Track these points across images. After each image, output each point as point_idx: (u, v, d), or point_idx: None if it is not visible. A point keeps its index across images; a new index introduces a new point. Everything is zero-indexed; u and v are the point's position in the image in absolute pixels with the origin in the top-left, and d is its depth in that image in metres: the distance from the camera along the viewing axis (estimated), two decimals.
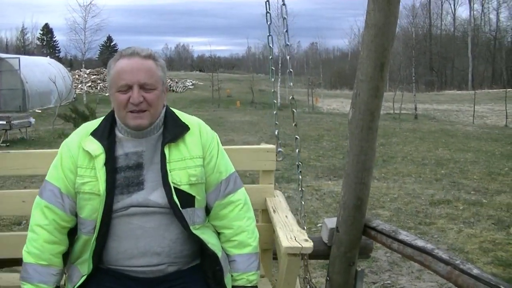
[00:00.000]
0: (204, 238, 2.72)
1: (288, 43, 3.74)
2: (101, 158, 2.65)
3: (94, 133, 2.74)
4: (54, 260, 2.69)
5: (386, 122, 24.95)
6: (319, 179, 11.42)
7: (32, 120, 19.53)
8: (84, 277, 2.67)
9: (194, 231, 2.68)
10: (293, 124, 3.65)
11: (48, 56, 56.49)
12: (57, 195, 2.70)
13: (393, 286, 5.55)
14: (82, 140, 2.73)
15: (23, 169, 3.53)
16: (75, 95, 40.92)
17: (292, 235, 2.91)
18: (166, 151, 2.69)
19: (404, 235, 3.36)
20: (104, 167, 2.64)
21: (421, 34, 75.83)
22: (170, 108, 2.90)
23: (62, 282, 2.83)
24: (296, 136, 3.65)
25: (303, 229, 3.17)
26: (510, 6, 80.00)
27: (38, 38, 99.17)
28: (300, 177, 3.71)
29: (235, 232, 2.85)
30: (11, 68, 34.21)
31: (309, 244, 2.80)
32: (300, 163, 3.67)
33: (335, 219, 3.79)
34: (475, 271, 2.75)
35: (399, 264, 6.05)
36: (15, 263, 3.60)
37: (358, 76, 3.35)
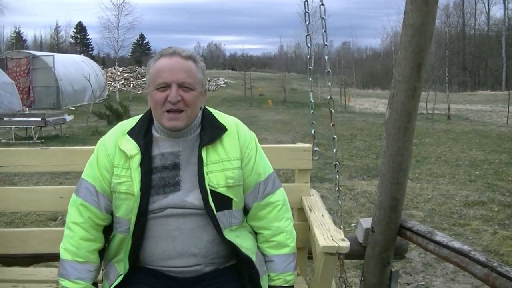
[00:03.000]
0: (238, 243, 2.72)
1: (327, 43, 3.72)
2: (137, 159, 2.66)
3: (131, 132, 2.75)
4: (90, 257, 2.73)
5: (419, 122, 24.66)
6: (353, 178, 11.37)
7: (68, 118, 19.73)
8: (121, 277, 2.70)
9: (228, 236, 2.69)
10: (331, 124, 3.69)
11: (82, 54, 57.14)
12: (92, 193, 2.73)
13: (427, 287, 5.52)
14: (119, 139, 2.74)
15: (60, 165, 3.53)
16: (108, 93, 41.23)
17: (328, 234, 2.89)
18: (204, 153, 2.69)
19: (440, 236, 3.34)
20: (139, 168, 2.64)
21: (455, 34, 75.07)
22: (207, 108, 2.89)
23: (100, 278, 2.86)
24: (334, 136, 3.67)
25: (340, 228, 3.17)
26: None
27: (72, 36, 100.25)
28: (338, 176, 3.73)
29: (274, 233, 2.85)
30: (46, 65, 34.63)
31: (346, 244, 2.78)
32: (337, 162, 3.71)
33: (370, 219, 3.79)
34: None
35: (434, 265, 6.01)
36: (51, 258, 3.67)
37: (396, 77, 3.34)
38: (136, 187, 2.61)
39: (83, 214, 2.72)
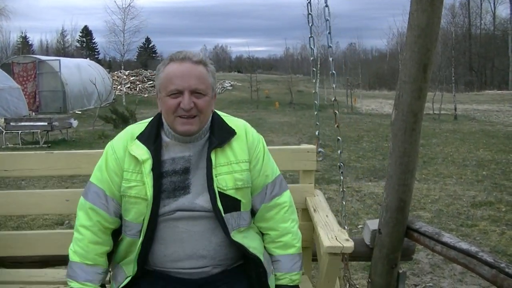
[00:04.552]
0: (246, 243, 2.75)
1: (331, 45, 3.79)
2: (148, 164, 2.67)
3: (140, 137, 2.76)
4: (98, 259, 2.76)
5: (425, 122, 24.55)
6: (359, 180, 11.34)
7: (75, 122, 19.78)
8: (129, 278, 2.73)
9: (235, 238, 2.71)
10: (335, 126, 3.71)
11: (88, 58, 57.31)
12: (101, 197, 2.76)
13: None
14: (129, 144, 2.75)
15: (66, 169, 3.56)
16: (114, 96, 41.26)
17: (333, 235, 2.94)
18: (213, 156, 2.71)
19: (447, 238, 3.33)
20: (152, 173, 2.66)
21: (461, 34, 74.78)
22: (216, 111, 2.90)
23: (107, 279, 2.91)
24: (338, 138, 3.73)
25: (344, 229, 3.19)
26: None
27: (78, 40, 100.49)
28: (342, 177, 3.76)
29: (281, 234, 2.89)
30: (52, 70, 34.71)
31: (350, 244, 2.82)
32: (342, 164, 3.75)
33: (377, 220, 3.77)
34: None
35: (441, 266, 5.99)
36: (59, 261, 3.72)
37: (401, 78, 3.32)
38: (149, 192, 2.63)
39: (92, 217, 2.74)
